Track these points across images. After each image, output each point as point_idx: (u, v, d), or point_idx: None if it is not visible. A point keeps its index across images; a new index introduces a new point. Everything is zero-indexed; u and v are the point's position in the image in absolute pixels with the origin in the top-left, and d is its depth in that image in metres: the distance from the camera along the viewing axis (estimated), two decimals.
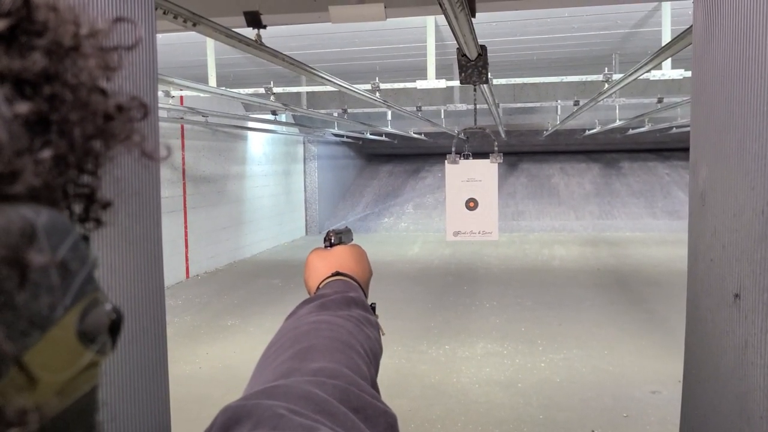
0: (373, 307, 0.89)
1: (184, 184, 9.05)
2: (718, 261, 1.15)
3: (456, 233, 4.24)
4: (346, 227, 1.13)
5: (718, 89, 1.15)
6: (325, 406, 0.52)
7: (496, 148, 4.23)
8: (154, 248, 1.28)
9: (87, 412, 0.26)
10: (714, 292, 1.16)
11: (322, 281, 0.93)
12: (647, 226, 13.52)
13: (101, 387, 0.27)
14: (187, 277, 9.14)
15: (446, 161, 4.15)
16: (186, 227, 9.08)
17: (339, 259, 0.98)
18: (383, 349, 0.83)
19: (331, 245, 1.03)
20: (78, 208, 0.30)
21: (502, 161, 4.21)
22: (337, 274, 0.94)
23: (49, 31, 0.26)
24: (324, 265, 0.97)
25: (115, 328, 0.28)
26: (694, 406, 1.31)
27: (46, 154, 0.25)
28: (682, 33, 3.24)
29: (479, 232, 4.20)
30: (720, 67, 1.15)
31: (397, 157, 17.16)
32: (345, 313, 0.79)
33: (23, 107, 0.24)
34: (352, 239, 1.12)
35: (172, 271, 8.46)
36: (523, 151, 16.16)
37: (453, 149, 4.19)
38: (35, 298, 0.23)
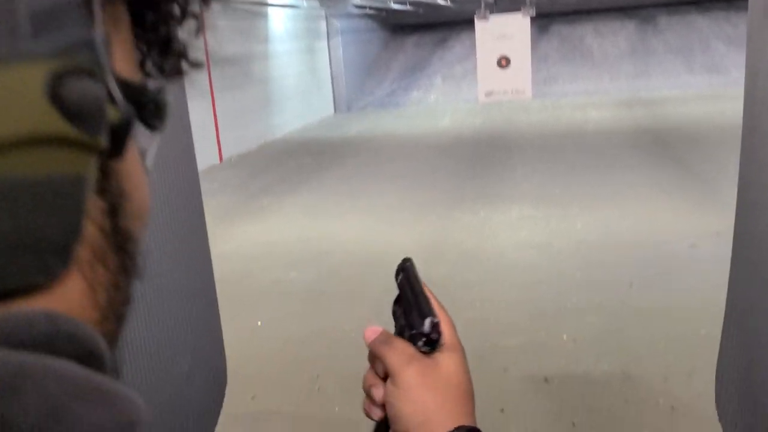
0: None
1: (209, 65, 8.91)
2: None
3: (488, 94, 4.12)
4: (407, 261, 0.70)
5: None
6: None
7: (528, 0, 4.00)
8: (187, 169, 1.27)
9: (65, 195, 0.23)
10: None
11: None
12: (684, 83, 13.06)
13: (89, 184, 0.24)
14: (221, 160, 9.21)
15: (475, 17, 3.96)
16: (215, 111, 9.04)
17: (452, 387, 0.64)
18: None
19: (428, 344, 0.64)
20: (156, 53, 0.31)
21: (534, 15, 4.00)
22: (462, 428, 0.62)
23: None
24: (435, 403, 0.63)
25: (121, 128, 0.25)
26: (744, 255, 1.27)
27: None
28: None
29: (512, 91, 4.08)
30: None
31: (422, 27, 16.57)
32: None
33: None
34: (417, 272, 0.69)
35: (206, 155, 8.50)
36: (553, 11, 15.44)
37: (482, 3, 3.99)
38: None
